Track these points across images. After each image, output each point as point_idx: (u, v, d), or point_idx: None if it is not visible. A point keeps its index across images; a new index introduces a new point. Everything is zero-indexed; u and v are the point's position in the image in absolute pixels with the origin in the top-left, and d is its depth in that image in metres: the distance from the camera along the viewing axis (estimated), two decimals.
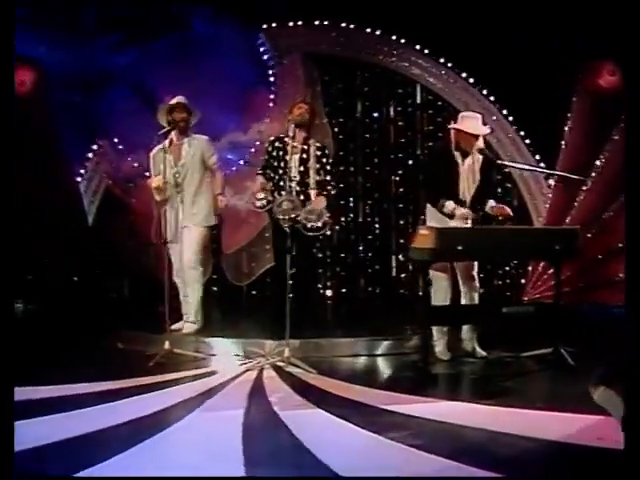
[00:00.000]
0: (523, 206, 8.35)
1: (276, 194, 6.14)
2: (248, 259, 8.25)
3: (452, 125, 5.84)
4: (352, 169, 8.58)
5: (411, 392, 4.80)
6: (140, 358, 5.74)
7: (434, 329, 5.86)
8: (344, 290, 8.74)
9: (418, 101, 8.72)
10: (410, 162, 8.71)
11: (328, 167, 6.37)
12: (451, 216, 5.74)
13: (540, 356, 5.72)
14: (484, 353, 5.90)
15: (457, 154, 5.82)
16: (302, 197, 6.19)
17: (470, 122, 5.82)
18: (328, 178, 6.36)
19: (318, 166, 6.31)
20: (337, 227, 8.51)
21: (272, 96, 8.30)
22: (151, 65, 8.08)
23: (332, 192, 6.38)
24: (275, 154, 6.30)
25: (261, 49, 8.36)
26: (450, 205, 5.72)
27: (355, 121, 8.47)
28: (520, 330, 6.19)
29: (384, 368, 5.85)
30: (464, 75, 8.56)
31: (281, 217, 5.97)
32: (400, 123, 8.69)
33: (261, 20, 8.24)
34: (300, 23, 8.34)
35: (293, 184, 6.22)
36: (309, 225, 5.97)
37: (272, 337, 5.91)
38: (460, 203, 5.79)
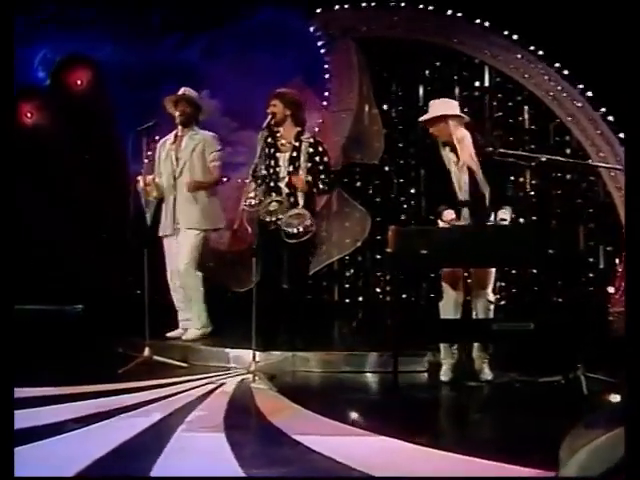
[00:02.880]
0: (610, 204, 7.35)
1: (266, 194, 5.85)
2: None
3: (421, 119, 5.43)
4: (413, 162, 7.99)
5: (357, 421, 4.44)
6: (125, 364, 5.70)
7: (441, 345, 5.41)
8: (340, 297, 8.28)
9: (486, 84, 8.01)
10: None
11: (322, 166, 5.94)
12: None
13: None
14: (489, 376, 5.40)
15: (446, 150, 5.31)
16: (292, 199, 5.81)
17: (429, 108, 5.37)
18: (323, 178, 5.93)
19: (310, 165, 5.86)
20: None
21: (328, 84, 7.99)
22: (210, 58, 7.96)
23: (323, 193, 5.95)
24: (267, 150, 5.92)
25: (315, 35, 8.00)
26: (449, 215, 5.20)
27: (416, 109, 7.82)
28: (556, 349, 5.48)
29: (357, 388, 5.46)
30: (540, 53, 7.67)
31: (266, 219, 5.67)
32: (466, 109, 7.88)
33: (315, 4, 7.97)
34: (350, 6, 7.99)
35: (282, 184, 5.84)
36: (288, 230, 5.62)
37: (257, 347, 5.63)
38: (461, 206, 5.29)
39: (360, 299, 8.12)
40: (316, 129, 7.76)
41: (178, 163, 6.25)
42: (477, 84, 8.02)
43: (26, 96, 8.30)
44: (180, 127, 6.28)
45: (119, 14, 8.22)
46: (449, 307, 5.34)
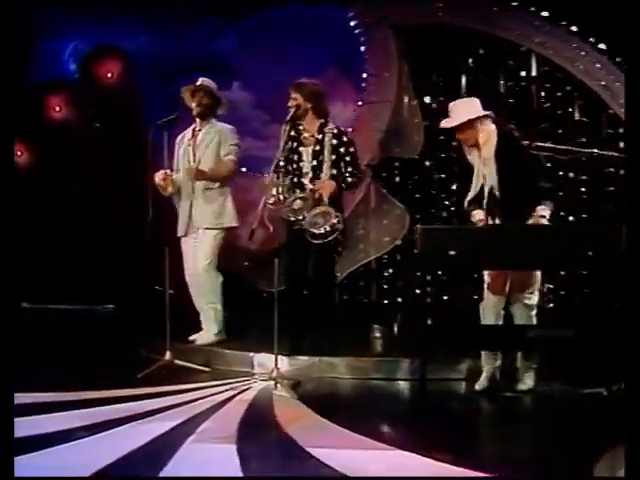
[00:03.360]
0: None
1: (290, 191, 5.75)
2: None
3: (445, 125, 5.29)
4: (454, 155, 7.81)
5: (378, 432, 4.32)
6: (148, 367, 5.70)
7: (482, 352, 5.27)
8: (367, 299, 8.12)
9: (533, 74, 7.79)
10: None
11: (348, 157, 5.82)
12: None
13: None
14: (526, 386, 5.25)
15: (473, 152, 5.24)
16: (317, 195, 5.71)
17: (450, 113, 5.26)
18: (350, 170, 5.80)
19: (334, 157, 5.76)
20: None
21: (364, 75, 7.88)
22: (242, 49, 7.92)
23: (351, 187, 5.82)
24: (290, 145, 5.83)
25: (351, 23, 7.89)
26: (477, 215, 5.11)
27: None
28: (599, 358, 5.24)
29: (384, 397, 5.38)
30: (591, 40, 7.44)
31: (291, 218, 5.59)
32: (511, 100, 7.79)
33: None
34: None
35: (306, 180, 5.75)
36: (313, 231, 5.53)
37: (282, 352, 5.57)
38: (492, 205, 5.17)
39: (399, 300, 7.95)
40: (355, 121, 7.70)
41: (195, 159, 6.19)
42: (523, 74, 7.81)
43: (54, 89, 8.35)
44: (198, 120, 6.21)
45: (151, 2, 8.19)
46: (489, 310, 5.22)
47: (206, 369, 5.79)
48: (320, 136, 5.80)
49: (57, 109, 8.42)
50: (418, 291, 7.78)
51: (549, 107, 7.76)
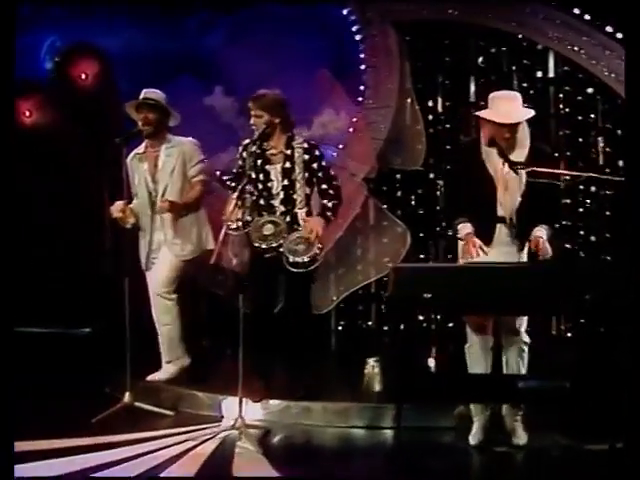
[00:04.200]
0: None
1: (255, 214, 5.64)
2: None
3: (479, 112, 5.08)
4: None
5: None
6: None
7: None
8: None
9: (551, 74, 7.63)
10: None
11: (321, 173, 5.69)
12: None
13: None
14: (523, 440, 5.09)
15: (492, 152, 4.97)
16: (289, 218, 5.59)
17: (502, 105, 4.97)
18: (324, 188, 5.68)
19: (307, 175, 5.63)
20: None
21: (363, 77, 7.72)
22: (231, 47, 7.82)
23: (335, 211, 5.70)
24: (252, 162, 5.68)
25: (349, 19, 7.78)
26: (463, 229, 4.94)
27: (466, 105, 7.51)
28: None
29: (360, 448, 5.30)
30: (619, 36, 7.24)
31: (261, 245, 5.46)
32: (525, 105, 7.51)
33: None
34: None
35: (276, 202, 5.61)
36: (292, 259, 5.38)
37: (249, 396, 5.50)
38: (497, 222, 5.02)
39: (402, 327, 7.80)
40: (350, 129, 7.57)
41: (157, 187, 6.04)
42: (540, 74, 7.68)
43: (25, 92, 8.18)
44: (149, 140, 6.05)
45: None
46: (476, 353, 5.07)
47: (169, 413, 5.70)
48: (289, 151, 5.66)
49: (27, 114, 8.27)
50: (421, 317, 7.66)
51: (568, 112, 7.59)
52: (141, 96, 6.05)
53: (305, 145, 5.68)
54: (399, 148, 7.56)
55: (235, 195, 5.47)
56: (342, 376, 6.69)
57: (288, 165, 5.64)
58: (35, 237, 7.84)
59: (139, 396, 5.75)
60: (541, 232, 4.90)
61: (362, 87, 7.64)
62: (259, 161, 5.68)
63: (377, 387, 5.95)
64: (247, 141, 5.72)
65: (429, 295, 4.43)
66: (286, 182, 5.64)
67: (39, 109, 8.32)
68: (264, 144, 5.67)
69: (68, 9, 8.32)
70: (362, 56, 7.69)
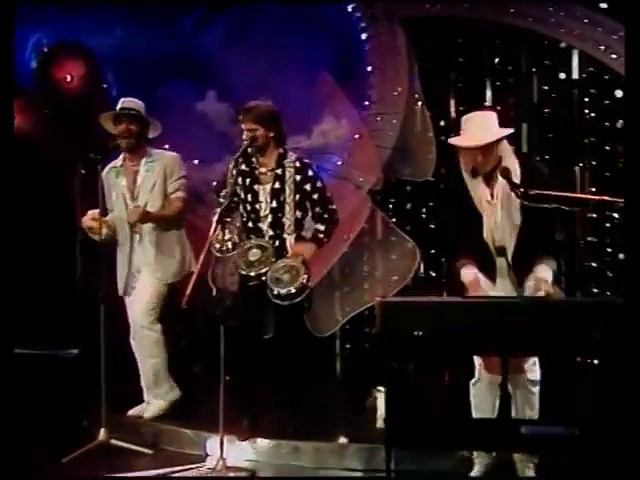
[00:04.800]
0: None
1: (243, 236, 5.64)
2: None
3: (450, 140, 5.08)
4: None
5: None
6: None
7: None
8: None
9: (575, 76, 7.49)
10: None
11: (316, 195, 5.65)
12: None
13: None
14: None
15: (476, 182, 4.90)
16: (277, 243, 5.56)
17: (471, 128, 4.94)
18: (318, 211, 5.67)
19: (298, 197, 5.57)
20: None
21: (369, 79, 7.64)
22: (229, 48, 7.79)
23: (328, 236, 5.65)
24: (242, 182, 5.64)
25: (353, 17, 7.71)
26: (467, 275, 4.90)
27: (481, 109, 7.35)
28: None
29: None
30: None
31: (245, 272, 5.42)
32: (546, 110, 7.52)
33: None
34: None
35: (264, 226, 5.55)
36: (277, 289, 5.34)
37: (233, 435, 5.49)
38: (497, 256, 4.96)
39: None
40: (357, 136, 7.48)
41: (135, 204, 6.03)
42: (563, 76, 7.54)
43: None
44: (127, 154, 6.07)
45: None
46: (482, 390, 5.05)
47: (148, 451, 5.67)
48: (280, 170, 5.63)
49: None
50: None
51: (594, 118, 7.46)
52: (120, 106, 6.03)
53: (297, 164, 5.65)
54: (408, 157, 7.49)
55: (219, 214, 5.42)
56: (340, 410, 6.65)
57: (278, 185, 5.61)
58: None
59: (117, 432, 5.73)
60: (545, 273, 4.83)
61: (367, 91, 7.58)
62: (248, 180, 5.65)
63: (380, 423, 5.86)
64: (236, 157, 5.69)
65: (420, 333, 4.34)
66: (275, 204, 5.59)
67: (19, 112, 8.29)
68: (253, 161, 5.60)
69: (55, 5, 8.29)
70: (367, 57, 7.63)
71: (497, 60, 7.65)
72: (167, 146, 7.64)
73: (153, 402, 6.12)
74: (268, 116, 5.62)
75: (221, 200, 5.69)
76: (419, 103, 7.50)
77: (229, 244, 5.45)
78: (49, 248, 7.50)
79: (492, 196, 4.95)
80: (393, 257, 7.56)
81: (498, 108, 6.59)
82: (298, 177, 5.62)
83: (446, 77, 7.71)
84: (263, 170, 5.66)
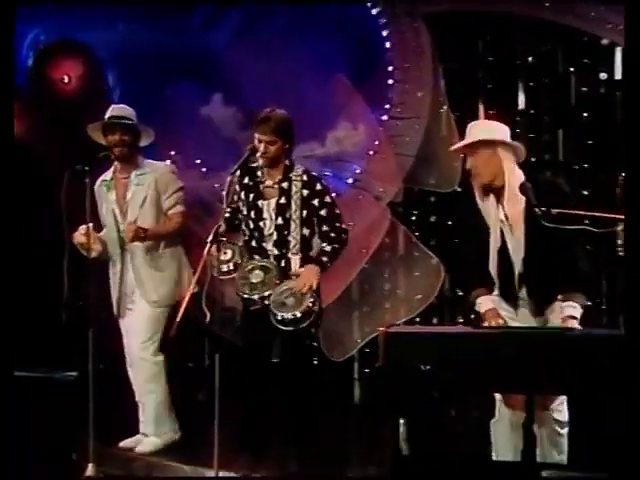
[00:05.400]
0: None
1: (246, 256, 5.59)
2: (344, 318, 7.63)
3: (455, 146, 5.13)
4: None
5: None
6: None
7: None
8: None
9: (618, 77, 7.42)
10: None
11: (324, 212, 5.60)
12: None
13: None
14: None
15: (488, 201, 4.88)
16: (283, 263, 5.55)
17: (468, 134, 4.95)
18: (325, 230, 5.59)
19: (305, 213, 5.54)
20: None
21: (390, 81, 7.61)
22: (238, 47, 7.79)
23: (335, 258, 5.60)
24: (244, 196, 5.63)
25: (372, 12, 7.67)
26: (484, 304, 4.85)
27: (512, 114, 7.34)
28: None
29: None
30: None
31: (246, 295, 5.39)
32: (586, 114, 7.45)
33: None
34: None
35: (269, 245, 5.53)
36: (281, 314, 5.33)
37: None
38: (516, 282, 4.89)
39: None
40: (376, 142, 7.46)
41: (125, 221, 6.02)
42: (604, 76, 7.47)
43: None
44: (118, 165, 6.05)
45: None
46: (503, 430, 4.97)
47: None
48: (286, 184, 5.56)
49: None
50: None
51: None
52: (110, 114, 6.02)
53: (304, 177, 5.60)
54: (432, 166, 7.47)
55: (215, 232, 5.35)
56: (357, 444, 6.63)
57: (284, 201, 5.56)
58: None
59: (107, 465, 5.71)
60: (572, 311, 4.75)
61: (387, 94, 7.57)
62: (251, 195, 5.61)
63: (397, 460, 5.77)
64: (239, 170, 5.59)
65: (427, 367, 4.28)
66: (280, 221, 5.55)
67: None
68: (259, 174, 5.59)
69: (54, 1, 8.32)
70: (387, 57, 7.61)
71: (530, 59, 7.60)
72: (172, 152, 7.77)
73: (149, 439, 6.08)
74: (286, 127, 5.56)
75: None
76: (444, 107, 7.48)
77: (231, 265, 5.46)
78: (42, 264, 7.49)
79: (506, 217, 4.88)
80: (416, 274, 7.55)
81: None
82: (305, 191, 5.55)
83: (474, 78, 7.66)
84: (269, 183, 5.59)
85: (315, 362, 6.91)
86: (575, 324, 4.73)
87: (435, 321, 7.68)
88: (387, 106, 7.55)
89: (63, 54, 8.29)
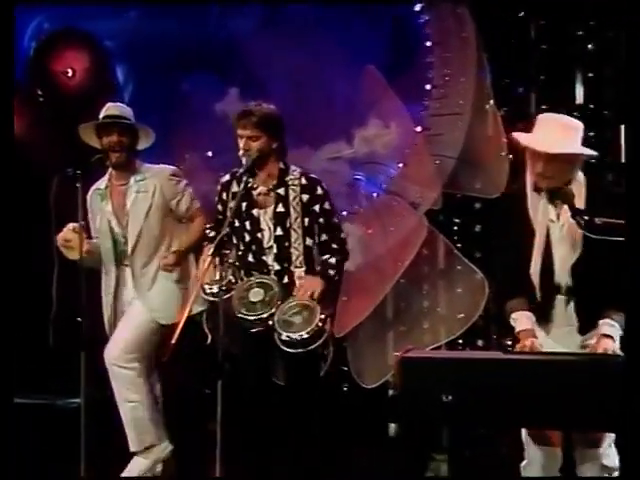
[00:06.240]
0: None
1: (242, 273, 5.56)
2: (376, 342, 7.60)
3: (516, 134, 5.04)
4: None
5: None
6: None
7: None
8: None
9: None
10: None
11: (322, 219, 5.58)
12: None
13: None
14: None
15: (539, 200, 4.85)
16: (286, 279, 5.53)
17: (544, 130, 4.89)
18: (325, 239, 5.60)
19: (307, 220, 5.53)
20: None
21: (428, 73, 7.61)
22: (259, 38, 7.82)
23: (332, 266, 5.57)
24: (237, 206, 5.59)
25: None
26: (520, 321, 4.81)
27: (569, 109, 7.25)
28: None
29: None
30: None
31: (245, 317, 5.40)
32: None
33: None
34: None
35: (269, 259, 5.53)
36: (287, 334, 5.30)
37: None
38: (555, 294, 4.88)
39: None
40: (411, 142, 7.48)
41: (125, 233, 6.04)
42: None
43: None
44: (114, 172, 6.07)
45: None
46: (535, 473, 4.88)
47: None
48: (282, 190, 5.54)
49: None
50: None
51: None
52: (105, 113, 6.06)
53: (303, 181, 5.57)
54: (477, 169, 7.44)
55: (211, 249, 5.39)
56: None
57: (281, 208, 5.54)
58: None
59: None
60: (610, 329, 4.72)
61: (424, 87, 7.56)
62: (244, 203, 5.58)
63: None
64: (227, 177, 5.65)
65: (449, 398, 4.24)
66: (280, 231, 5.53)
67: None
68: (250, 180, 5.57)
69: None
70: (425, 45, 7.58)
71: (590, 46, 7.53)
72: (187, 155, 7.80)
73: (135, 460, 6.09)
74: (272, 121, 5.53)
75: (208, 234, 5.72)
76: (490, 102, 7.43)
77: (223, 284, 5.42)
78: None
79: (557, 217, 4.85)
80: (458, 290, 7.55)
81: None
82: (305, 196, 5.52)
83: (524, 69, 7.62)
84: (262, 190, 5.56)
85: (344, 389, 6.88)
86: (610, 345, 4.69)
87: (480, 343, 7.63)
88: (425, 101, 7.54)
89: (67, 44, 8.41)
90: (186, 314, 5.15)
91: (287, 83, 7.30)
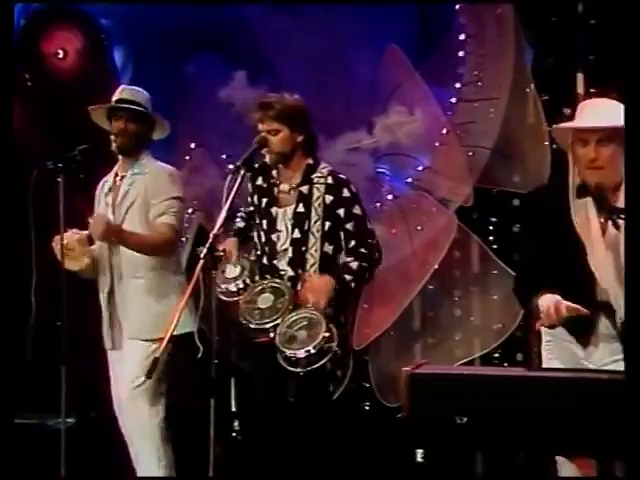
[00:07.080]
0: None
1: (255, 276, 5.62)
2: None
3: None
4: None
5: None
6: None
7: None
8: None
9: None
10: None
11: (350, 225, 5.59)
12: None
13: None
14: None
15: (584, 201, 4.76)
16: (299, 287, 5.55)
17: (587, 113, 4.80)
18: (353, 246, 5.60)
19: (329, 225, 5.57)
20: None
21: (460, 53, 7.61)
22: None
23: (352, 271, 5.57)
24: (255, 202, 5.70)
25: None
26: (545, 299, 4.64)
27: (620, 93, 7.23)
28: None
29: None
30: None
31: (251, 324, 5.47)
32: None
33: None
34: None
35: (282, 264, 5.56)
36: (289, 351, 5.36)
37: None
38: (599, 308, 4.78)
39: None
40: (442, 131, 7.48)
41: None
42: None
43: None
44: (120, 158, 6.13)
45: None
46: None
47: None
48: (306, 188, 5.57)
49: None
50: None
51: None
52: (119, 96, 6.14)
53: (329, 180, 5.60)
54: (515, 161, 7.49)
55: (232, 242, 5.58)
56: None
57: (302, 209, 5.57)
58: None
59: None
60: None
61: (456, 69, 7.58)
62: (264, 200, 5.66)
63: None
64: (238, 165, 5.54)
65: (464, 420, 4.23)
66: (297, 234, 5.56)
67: None
68: (274, 174, 5.64)
69: None
70: (457, 23, 7.60)
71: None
72: (193, 145, 7.85)
73: None
74: (295, 113, 5.57)
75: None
76: (530, 86, 7.45)
77: (240, 283, 5.49)
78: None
79: (605, 221, 4.81)
80: (494, 297, 7.58)
81: None
82: (329, 197, 5.54)
83: (570, 48, 7.55)
84: (285, 187, 5.62)
85: (366, 407, 6.90)
86: None
87: (520, 357, 7.62)
88: (457, 85, 7.56)
89: (58, 23, 8.45)
90: (174, 324, 5.15)
91: (300, 66, 7.32)
